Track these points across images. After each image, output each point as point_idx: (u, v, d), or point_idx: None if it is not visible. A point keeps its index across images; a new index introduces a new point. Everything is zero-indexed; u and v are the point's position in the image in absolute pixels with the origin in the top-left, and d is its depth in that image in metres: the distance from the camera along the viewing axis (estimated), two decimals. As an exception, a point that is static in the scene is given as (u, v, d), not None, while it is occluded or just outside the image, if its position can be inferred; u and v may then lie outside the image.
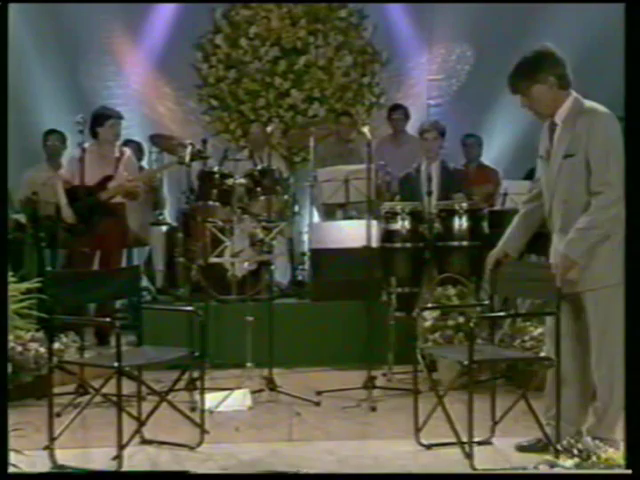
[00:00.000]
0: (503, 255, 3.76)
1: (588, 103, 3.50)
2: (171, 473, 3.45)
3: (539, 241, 5.80)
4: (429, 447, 3.76)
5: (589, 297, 3.45)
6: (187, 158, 5.21)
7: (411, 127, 7.57)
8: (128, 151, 6.24)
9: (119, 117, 6.00)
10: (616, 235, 3.39)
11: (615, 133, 3.39)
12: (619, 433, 3.41)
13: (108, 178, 5.95)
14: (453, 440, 3.60)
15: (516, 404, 3.67)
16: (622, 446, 3.25)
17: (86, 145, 5.54)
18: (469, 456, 3.47)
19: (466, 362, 3.48)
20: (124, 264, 6.76)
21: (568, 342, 3.55)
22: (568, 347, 3.54)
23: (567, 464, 3.13)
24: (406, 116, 7.61)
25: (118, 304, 6.54)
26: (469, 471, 3.42)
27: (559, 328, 3.49)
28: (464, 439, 3.51)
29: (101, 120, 5.90)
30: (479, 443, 3.68)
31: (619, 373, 3.36)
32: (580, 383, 3.58)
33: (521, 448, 3.66)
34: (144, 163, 7.30)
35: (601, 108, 3.46)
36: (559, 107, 3.49)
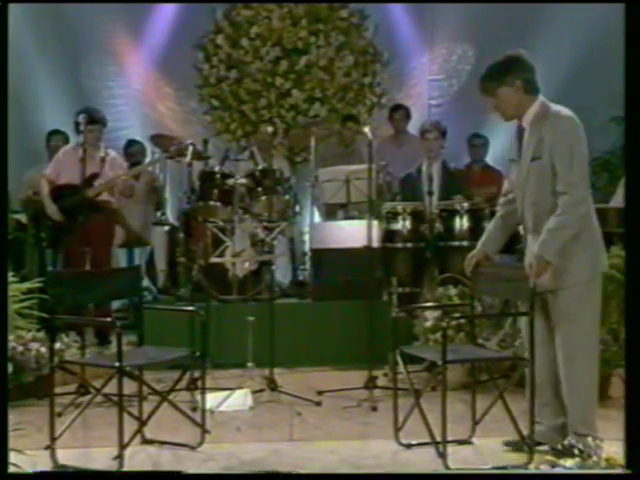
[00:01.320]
0: (483, 256, 3.81)
1: (554, 107, 3.58)
2: (166, 473, 3.46)
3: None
4: (408, 446, 3.78)
5: (562, 296, 3.52)
6: (188, 158, 5.23)
7: (412, 127, 7.58)
8: (113, 152, 6.24)
9: (102, 123, 5.97)
10: (583, 233, 3.51)
11: (578, 135, 3.50)
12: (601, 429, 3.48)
13: (94, 176, 5.95)
14: (458, 438, 3.62)
15: (494, 404, 3.68)
16: (603, 441, 3.38)
17: (70, 146, 5.61)
18: (442, 455, 3.49)
19: (439, 362, 3.51)
20: (125, 264, 6.79)
21: (543, 340, 3.60)
22: (544, 346, 3.60)
23: (568, 464, 3.14)
24: (407, 116, 7.60)
25: (119, 304, 6.55)
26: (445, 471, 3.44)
27: (533, 328, 3.55)
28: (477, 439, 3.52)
29: (83, 124, 5.91)
30: (460, 443, 3.69)
31: (587, 367, 3.53)
32: (554, 381, 3.62)
33: (507, 443, 3.71)
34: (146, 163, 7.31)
35: (564, 111, 3.56)
36: (525, 111, 3.60)
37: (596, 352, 3.59)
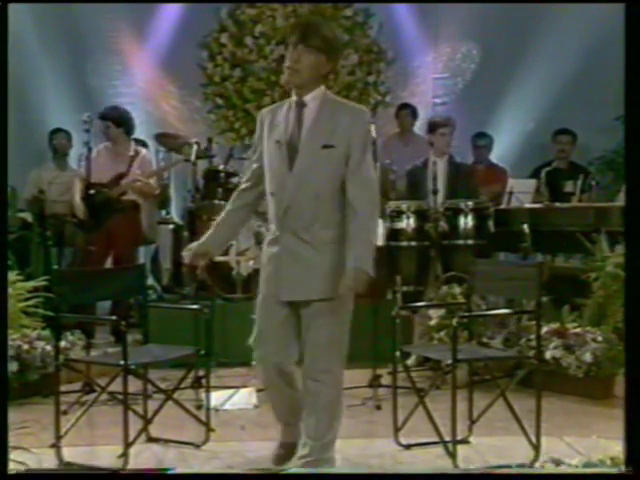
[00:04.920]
0: (204, 253, 3.44)
1: (339, 98, 3.43)
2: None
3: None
4: (407, 447, 3.78)
5: (329, 304, 3.23)
6: (193, 157, 5.24)
7: (418, 127, 7.59)
8: (143, 150, 6.27)
9: (112, 120, 6.02)
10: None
11: (370, 131, 3.37)
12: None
13: (121, 176, 5.98)
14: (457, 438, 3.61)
15: (494, 403, 3.67)
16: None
17: (103, 144, 5.81)
18: (452, 455, 3.47)
19: (448, 362, 3.52)
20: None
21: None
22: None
23: (573, 462, 3.13)
24: (414, 116, 7.62)
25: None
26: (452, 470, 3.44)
27: (540, 327, 3.52)
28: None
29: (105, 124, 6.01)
30: (458, 442, 3.70)
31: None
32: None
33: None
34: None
35: (359, 105, 3.48)
36: (312, 90, 3.29)
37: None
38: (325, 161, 3.19)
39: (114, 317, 4.19)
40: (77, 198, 6.04)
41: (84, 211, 5.99)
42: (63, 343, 4.61)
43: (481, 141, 7.47)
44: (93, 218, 6.00)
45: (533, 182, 6.32)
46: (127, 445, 3.50)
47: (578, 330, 4.74)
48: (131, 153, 6.04)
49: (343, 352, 3.31)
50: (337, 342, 3.26)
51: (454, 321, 3.60)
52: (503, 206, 6.12)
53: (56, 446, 3.61)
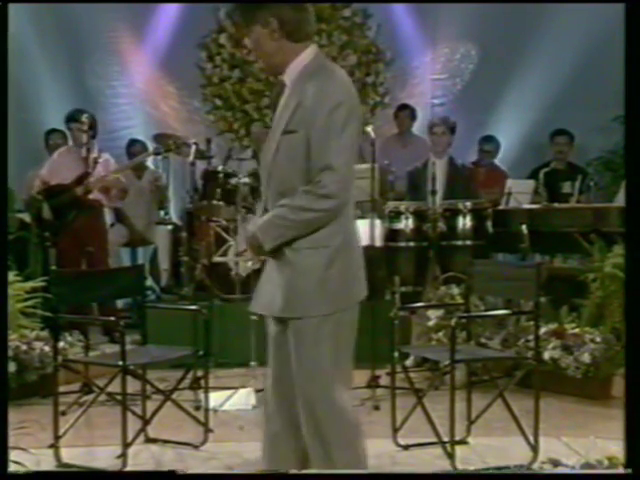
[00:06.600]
0: None
1: (329, 64, 2.73)
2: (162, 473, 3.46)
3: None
4: (406, 447, 3.78)
5: (313, 322, 2.84)
6: (191, 157, 5.25)
7: (416, 127, 7.60)
8: (107, 154, 6.28)
9: (80, 122, 6.00)
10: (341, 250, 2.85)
11: (341, 99, 2.59)
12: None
13: (85, 175, 5.98)
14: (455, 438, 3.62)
15: (493, 404, 3.68)
16: None
17: (66, 146, 5.92)
18: (450, 455, 3.47)
19: (446, 362, 3.53)
20: (128, 263, 6.81)
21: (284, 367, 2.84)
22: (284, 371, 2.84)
23: (571, 462, 3.14)
24: (412, 117, 7.64)
25: (123, 303, 6.57)
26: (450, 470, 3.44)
27: (538, 327, 3.47)
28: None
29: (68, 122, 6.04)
30: (456, 442, 3.71)
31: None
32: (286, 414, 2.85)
33: None
34: (149, 163, 7.34)
35: (333, 68, 2.71)
36: (289, 63, 2.67)
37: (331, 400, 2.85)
38: (285, 150, 2.62)
39: (112, 318, 4.19)
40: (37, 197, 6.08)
41: (46, 211, 6.02)
42: (61, 344, 4.62)
43: (488, 146, 7.47)
44: (57, 218, 6.01)
45: (531, 183, 6.33)
46: (125, 445, 3.51)
47: (576, 331, 4.75)
48: (94, 155, 6.05)
49: None
50: None
51: (452, 322, 3.61)
52: (501, 207, 6.12)
53: (55, 446, 3.61)
